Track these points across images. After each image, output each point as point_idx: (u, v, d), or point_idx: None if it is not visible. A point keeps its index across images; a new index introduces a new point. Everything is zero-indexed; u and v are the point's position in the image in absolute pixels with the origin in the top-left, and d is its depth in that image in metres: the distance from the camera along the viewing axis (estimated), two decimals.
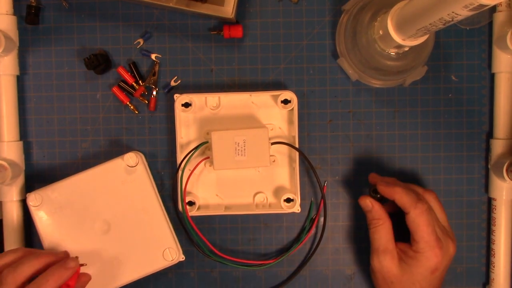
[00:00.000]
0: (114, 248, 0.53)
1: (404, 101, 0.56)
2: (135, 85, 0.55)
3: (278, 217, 0.57)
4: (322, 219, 0.56)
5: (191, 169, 0.54)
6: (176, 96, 0.54)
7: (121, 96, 0.55)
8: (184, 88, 0.56)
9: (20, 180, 0.55)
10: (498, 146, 0.54)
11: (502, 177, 0.52)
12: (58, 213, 0.53)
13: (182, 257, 0.54)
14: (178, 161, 0.54)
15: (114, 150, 0.57)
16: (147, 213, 0.53)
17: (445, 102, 0.56)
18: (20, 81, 0.56)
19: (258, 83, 0.56)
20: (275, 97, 0.54)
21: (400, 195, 0.47)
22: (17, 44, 0.55)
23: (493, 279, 0.55)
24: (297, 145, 0.54)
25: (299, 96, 0.55)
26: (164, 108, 0.56)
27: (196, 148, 0.53)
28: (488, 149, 0.56)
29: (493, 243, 0.55)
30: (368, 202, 0.50)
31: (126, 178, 0.53)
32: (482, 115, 0.56)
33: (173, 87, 0.56)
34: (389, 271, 0.48)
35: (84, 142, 0.57)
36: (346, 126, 0.56)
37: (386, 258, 0.48)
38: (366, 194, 0.51)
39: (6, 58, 0.54)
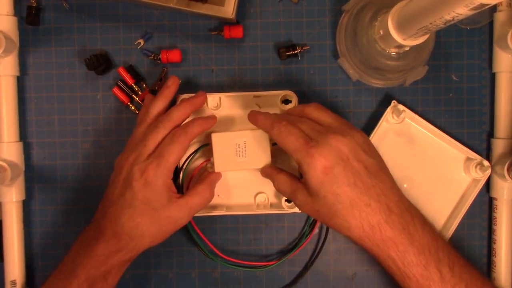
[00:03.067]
0: None
1: (405, 101, 0.56)
2: (134, 86, 0.55)
3: (279, 217, 0.57)
4: None
5: (193, 171, 0.54)
6: (178, 97, 0.54)
7: (122, 96, 0.55)
8: (185, 88, 0.56)
9: (20, 181, 0.55)
10: (499, 146, 0.54)
11: (503, 176, 0.52)
12: None
13: None
14: (180, 163, 0.54)
15: (115, 151, 0.57)
16: None
17: (445, 102, 0.56)
18: (21, 82, 0.56)
19: (259, 83, 0.56)
20: (275, 97, 0.54)
21: (260, 122, 0.47)
22: (18, 44, 0.55)
23: (495, 279, 0.55)
24: None
25: (300, 96, 0.55)
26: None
27: (196, 150, 0.53)
28: (489, 149, 0.56)
29: (494, 243, 0.55)
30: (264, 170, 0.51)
31: None
32: (483, 114, 0.56)
33: None
34: (306, 203, 0.45)
35: (85, 143, 0.57)
36: None
37: (298, 197, 0.45)
38: None
39: (7, 59, 0.54)
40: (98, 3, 0.56)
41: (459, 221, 0.54)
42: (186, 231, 0.55)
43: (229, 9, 0.52)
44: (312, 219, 0.56)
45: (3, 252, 0.55)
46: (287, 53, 0.55)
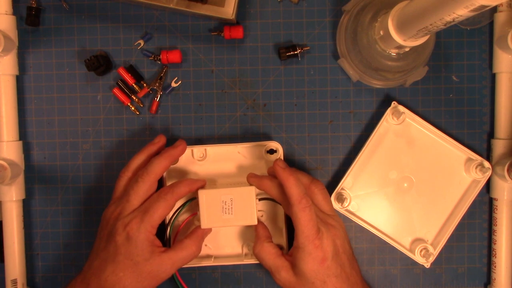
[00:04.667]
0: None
1: (405, 101, 0.56)
2: (135, 86, 0.55)
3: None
4: None
5: (180, 223, 0.54)
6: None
7: (122, 97, 0.55)
8: (184, 89, 0.56)
9: (20, 180, 0.55)
10: (499, 146, 0.54)
11: (503, 177, 0.52)
12: None
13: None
14: (167, 218, 0.53)
15: (115, 152, 0.57)
16: None
17: (446, 103, 0.56)
18: (21, 82, 0.56)
19: (259, 84, 0.56)
20: (260, 147, 0.54)
21: (291, 185, 0.46)
22: (16, 44, 0.55)
23: (495, 279, 0.55)
24: None
25: (300, 97, 0.55)
26: (165, 109, 0.56)
27: (183, 205, 0.53)
28: (489, 149, 0.56)
29: (495, 243, 0.55)
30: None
31: None
32: (483, 115, 0.56)
33: (174, 88, 0.56)
34: (289, 282, 0.47)
35: (85, 144, 0.57)
36: (347, 127, 0.56)
37: (281, 274, 0.47)
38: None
39: (6, 58, 0.54)
40: (98, 4, 0.56)
41: (458, 221, 0.54)
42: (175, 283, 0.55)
43: (229, 10, 0.52)
44: None
45: (4, 250, 0.55)
46: (287, 54, 0.55)
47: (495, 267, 0.55)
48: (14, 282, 0.55)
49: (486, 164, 0.53)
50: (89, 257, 0.49)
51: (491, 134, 0.56)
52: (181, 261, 0.49)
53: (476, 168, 0.53)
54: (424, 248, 0.54)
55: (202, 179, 0.53)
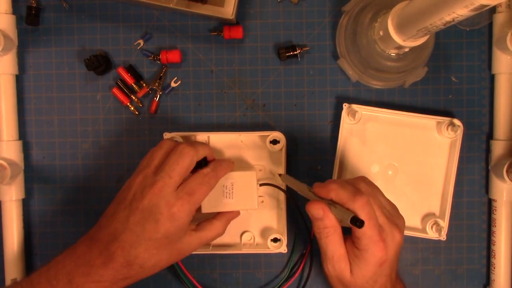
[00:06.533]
0: None
1: (404, 102, 0.56)
2: (134, 86, 0.55)
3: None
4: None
5: None
6: (165, 134, 0.54)
7: (121, 97, 0.55)
8: (184, 89, 0.56)
9: (19, 180, 0.55)
10: (498, 147, 0.54)
11: (502, 178, 0.52)
12: None
13: None
14: None
15: (115, 151, 0.57)
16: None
17: (445, 103, 0.56)
18: (20, 81, 0.56)
19: (259, 84, 0.56)
20: (263, 137, 0.54)
21: (336, 192, 0.44)
22: (16, 43, 0.55)
23: (494, 280, 0.55)
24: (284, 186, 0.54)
25: (300, 97, 0.55)
26: (164, 109, 0.56)
27: None
28: (488, 150, 0.56)
29: (494, 244, 0.55)
30: (319, 210, 0.45)
31: None
32: (482, 116, 0.56)
33: (173, 88, 0.56)
34: (344, 276, 0.46)
35: (84, 143, 0.57)
36: None
37: (341, 265, 0.45)
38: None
39: (5, 57, 0.54)
40: (98, 3, 0.56)
41: (453, 185, 0.54)
42: (174, 270, 0.55)
43: (229, 10, 0.52)
44: (295, 261, 0.56)
45: (3, 250, 0.55)
46: (287, 54, 0.55)
47: (494, 268, 0.55)
48: (14, 282, 0.55)
49: (456, 121, 0.53)
50: (107, 224, 0.46)
51: (490, 135, 0.56)
52: (207, 241, 0.49)
53: (447, 129, 0.53)
54: (434, 223, 0.54)
55: (232, 160, 0.52)
